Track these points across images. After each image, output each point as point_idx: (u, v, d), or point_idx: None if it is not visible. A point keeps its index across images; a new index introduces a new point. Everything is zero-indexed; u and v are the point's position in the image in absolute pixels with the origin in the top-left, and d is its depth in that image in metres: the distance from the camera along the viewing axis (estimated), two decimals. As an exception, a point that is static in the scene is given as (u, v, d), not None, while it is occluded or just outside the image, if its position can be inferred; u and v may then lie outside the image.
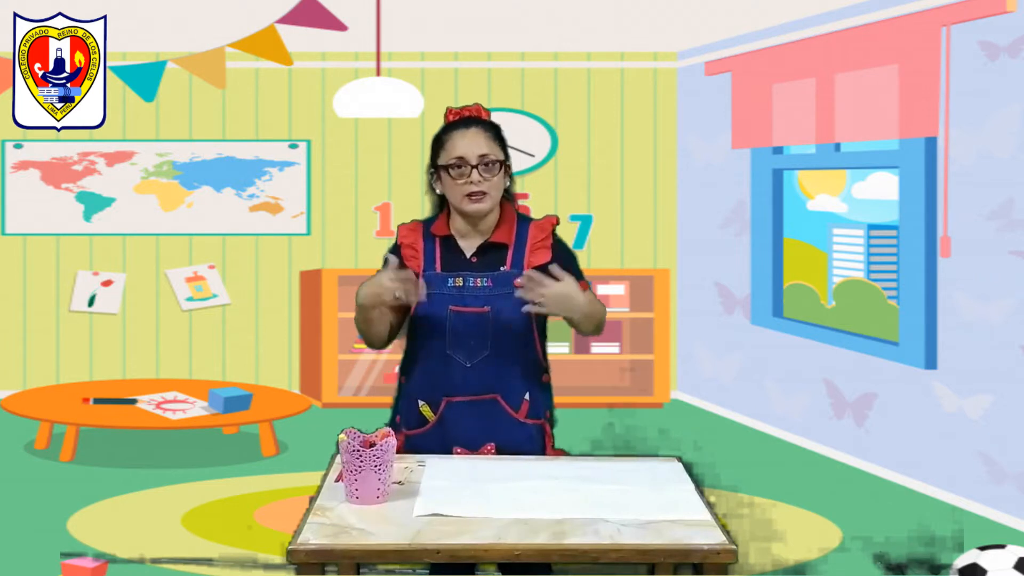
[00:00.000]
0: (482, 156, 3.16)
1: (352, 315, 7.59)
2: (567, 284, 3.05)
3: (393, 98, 5.41)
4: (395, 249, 3.29)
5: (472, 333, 3.16)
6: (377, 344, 3.27)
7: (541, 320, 3.25)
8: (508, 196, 3.29)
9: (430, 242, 3.24)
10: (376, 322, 3.19)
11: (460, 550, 2.46)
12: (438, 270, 3.20)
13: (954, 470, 5.65)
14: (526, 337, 3.21)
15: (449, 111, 3.29)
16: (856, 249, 6.66)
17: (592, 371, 8.30)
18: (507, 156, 3.24)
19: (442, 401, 3.20)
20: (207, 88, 8.00)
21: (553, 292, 3.03)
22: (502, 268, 3.19)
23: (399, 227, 3.32)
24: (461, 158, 3.15)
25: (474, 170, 3.14)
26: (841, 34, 6.39)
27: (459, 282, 3.18)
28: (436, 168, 3.23)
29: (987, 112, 5.42)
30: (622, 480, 2.89)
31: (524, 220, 3.27)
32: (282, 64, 5.54)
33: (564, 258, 3.25)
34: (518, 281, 3.08)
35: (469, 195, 3.15)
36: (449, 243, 3.24)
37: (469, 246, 3.23)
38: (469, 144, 3.17)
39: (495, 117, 3.37)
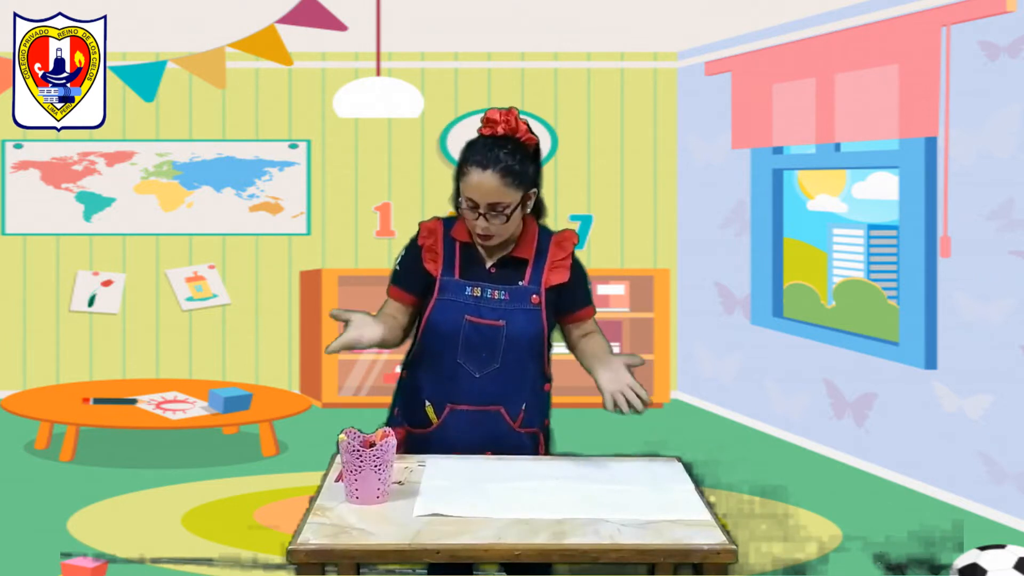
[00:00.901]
0: (491, 205, 3.06)
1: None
2: (621, 374, 3.08)
3: (393, 98, 5.41)
4: (413, 246, 3.25)
5: (485, 346, 3.14)
6: (393, 347, 3.28)
7: (550, 332, 3.24)
8: (534, 211, 3.23)
9: (450, 246, 3.20)
10: (382, 342, 3.18)
11: (460, 550, 2.46)
12: (456, 276, 3.17)
13: (954, 470, 5.65)
14: (537, 352, 3.20)
15: (484, 120, 3.15)
16: (856, 249, 6.65)
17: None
18: (533, 184, 3.14)
19: (446, 407, 3.20)
20: (207, 88, 8.00)
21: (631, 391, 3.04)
22: (520, 283, 3.17)
23: (421, 224, 3.26)
24: (471, 200, 3.08)
25: (481, 217, 3.08)
26: (841, 34, 6.38)
27: (477, 292, 3.15)
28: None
29: (987, 112, 5.41)
30: (622, 480, 2.89)
31: (545, 233, 3.24)
32: (282, 64, 5.53)
33: (579, 280, 3.25)
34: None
35: (478, 234, 3.12)
36: (469, 249, 3.20)
37: (489, 256, 3.20)
38: (482, 190, 3.05)
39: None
